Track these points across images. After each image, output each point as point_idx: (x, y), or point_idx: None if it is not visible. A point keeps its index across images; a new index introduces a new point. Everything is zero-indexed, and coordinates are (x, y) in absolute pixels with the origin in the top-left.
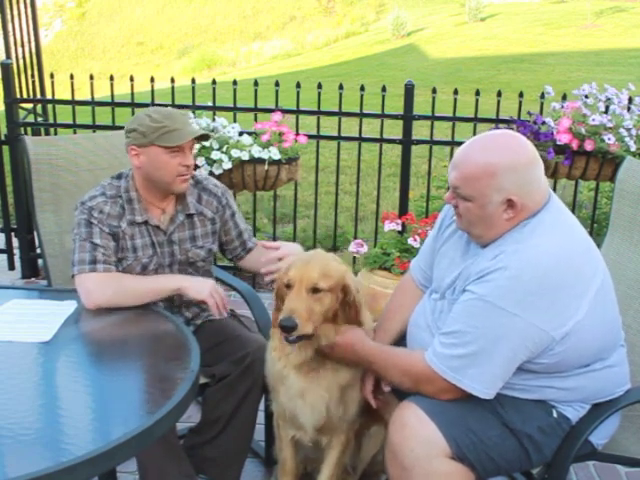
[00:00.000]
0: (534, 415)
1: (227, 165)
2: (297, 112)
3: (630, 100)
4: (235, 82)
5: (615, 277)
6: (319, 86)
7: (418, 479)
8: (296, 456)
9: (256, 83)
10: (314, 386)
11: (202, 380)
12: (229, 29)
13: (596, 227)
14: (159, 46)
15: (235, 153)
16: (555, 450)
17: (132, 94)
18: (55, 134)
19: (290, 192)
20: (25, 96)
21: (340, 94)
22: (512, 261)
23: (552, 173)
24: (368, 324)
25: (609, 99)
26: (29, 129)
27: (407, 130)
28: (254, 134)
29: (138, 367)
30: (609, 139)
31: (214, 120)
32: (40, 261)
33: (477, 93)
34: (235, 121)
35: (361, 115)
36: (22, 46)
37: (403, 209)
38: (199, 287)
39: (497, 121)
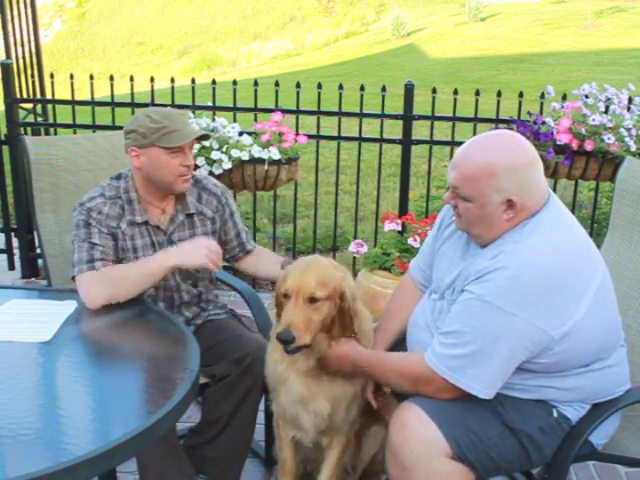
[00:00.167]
0: (534, 415)
1: (227, 165)
2: (297, 112)
3: (630, 100)
4: (235, 82)
5: (615, 277)
6: (319, 86)
7: (419, 479)
8: (296, 456)
9: (256, 83)
10: (317, 392)
11: (202, 380)
12: (229, 29)
13: (596, 227)
14: (159, 46)
15: (235, 153)
16: (555, 450)
17: (132, 94)
18: (55, 134)
19: (290, 192)
20: (25, 96)
21: (340, 94)
22: (511, 261)
23: (552, 173)
24: (368, 324)
25: (609, 99)
26: (29, 129)
27: (407, 130)
28: (254, 134)
29: (138, 367)
30: (609, 139)
31: (214, 120)
32: (40, 261)
33: (477, 93)
34: (235, 121)
35: (361, 115)
36: (22, 46)
37: (403, 209)
38: (193, 256)
39: (497, 121)
